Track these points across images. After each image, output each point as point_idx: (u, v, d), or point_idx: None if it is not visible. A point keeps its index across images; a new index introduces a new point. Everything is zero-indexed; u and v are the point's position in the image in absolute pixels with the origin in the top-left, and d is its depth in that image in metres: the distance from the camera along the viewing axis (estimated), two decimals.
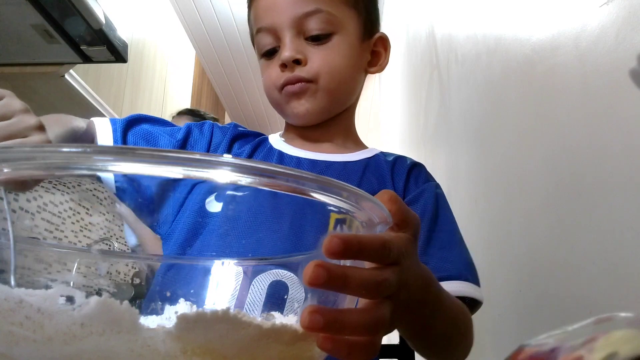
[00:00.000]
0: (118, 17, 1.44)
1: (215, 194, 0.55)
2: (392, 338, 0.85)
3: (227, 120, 4.00)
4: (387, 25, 2.56)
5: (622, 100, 0.50)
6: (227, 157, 0.21)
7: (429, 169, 0.66)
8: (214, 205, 0.55)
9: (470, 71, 1.08)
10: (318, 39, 0.59)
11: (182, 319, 0.23)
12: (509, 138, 0.84)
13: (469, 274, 0.54)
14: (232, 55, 3.14)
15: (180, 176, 0.21)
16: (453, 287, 0.51)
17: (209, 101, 3.46)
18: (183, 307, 0.34)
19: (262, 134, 0.69)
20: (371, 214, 0.27)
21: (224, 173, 0.21)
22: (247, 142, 0.66)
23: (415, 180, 0.62)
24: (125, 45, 1.42)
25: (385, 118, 2.86)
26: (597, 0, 0.54)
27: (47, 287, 0.25)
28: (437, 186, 0.63)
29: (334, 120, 0.64)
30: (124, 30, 1.45)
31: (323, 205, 0.24)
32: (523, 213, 0.77)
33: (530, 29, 0.75)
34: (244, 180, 0.22)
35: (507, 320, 0.85)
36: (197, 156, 0.21)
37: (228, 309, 0.23)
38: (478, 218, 1.03)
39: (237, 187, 0.56)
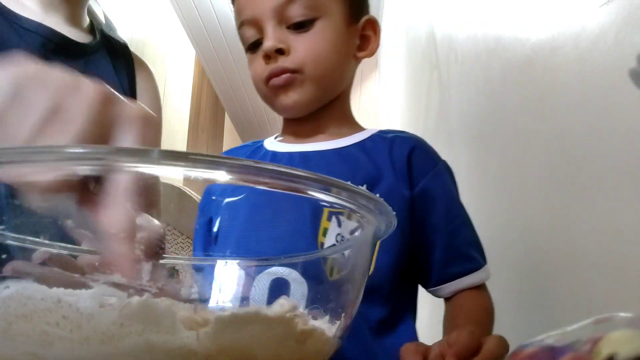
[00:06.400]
0: (118, 17, 1.44)
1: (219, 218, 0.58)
2: None
3: (227, 120, 4.00)
4: (387, 25, 2.56)
5: (622, 100, 0.50)
6: (227, 158, 0.21)
7: None
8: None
9: (470, 71, 1.08)
10: (301, 26, 0.57)
11: (218, 320, 0.23)
12: (509, 138, 0.84)
13: (482, 257, 0.60)
14: (232, 55, 3.14)
15: (179, 177, 0.21)
16: (480, 278, 0.60)
17: (209, 101, 3.46)
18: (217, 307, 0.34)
19: (258, 141, 0.68)
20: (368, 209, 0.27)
21: (223, 173, 0.21)
22: (243, 154, 0.66)
23: (421, 168, 0.59)
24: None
25: (385, 117, 2.86)
26: (597, 0, 0.54)
27: (88, 287, 0.24)
28: (444, 166, 0.62)
29: (326, 109, 0.62)
30: (124, 30, 1.45)
31: (316, 200, 0.24)
32: (523, 213, 0.77)
33: (530, 29, 0.75)
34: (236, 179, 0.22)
35: (507, 320, 0.85)
36: (199, 156, 0.21)
37: (260, 309, 0.24)
38: (478, 218, 1.03)
39: (234, 190, 0.57)
